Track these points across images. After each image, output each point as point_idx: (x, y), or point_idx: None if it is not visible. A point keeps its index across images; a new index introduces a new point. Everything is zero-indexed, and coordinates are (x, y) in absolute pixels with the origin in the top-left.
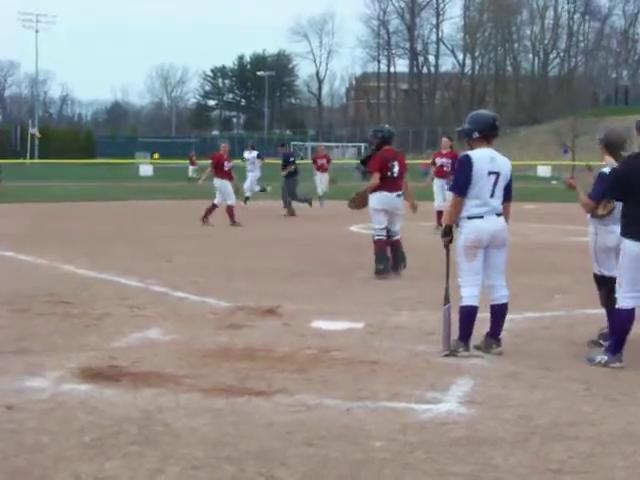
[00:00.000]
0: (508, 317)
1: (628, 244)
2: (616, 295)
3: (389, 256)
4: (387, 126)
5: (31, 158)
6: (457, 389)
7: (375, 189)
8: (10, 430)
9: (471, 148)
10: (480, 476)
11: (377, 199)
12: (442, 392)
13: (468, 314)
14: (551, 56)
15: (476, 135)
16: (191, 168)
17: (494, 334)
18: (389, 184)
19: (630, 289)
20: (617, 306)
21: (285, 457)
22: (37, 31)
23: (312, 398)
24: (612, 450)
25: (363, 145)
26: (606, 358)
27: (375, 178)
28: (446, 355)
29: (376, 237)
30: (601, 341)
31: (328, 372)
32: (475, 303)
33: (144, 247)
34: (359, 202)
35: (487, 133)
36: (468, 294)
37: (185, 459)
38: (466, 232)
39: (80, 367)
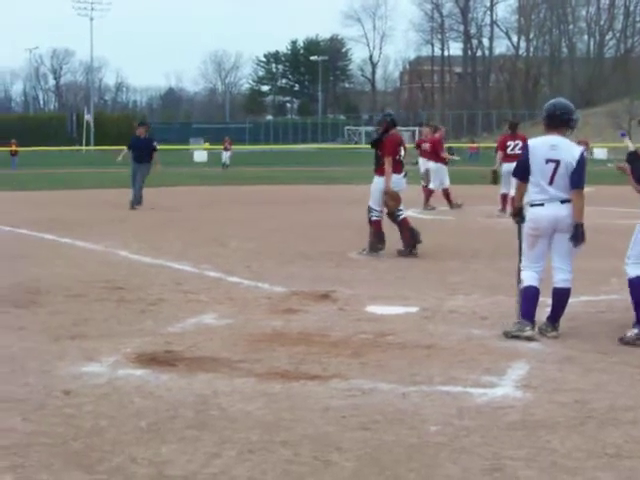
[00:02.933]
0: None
1: None
2: (625, 267)
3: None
4: (392, 111)
5: (86, 145)
6: (513, 373)
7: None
8: (68, 415)
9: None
10: (536, 460)
11: (392, 182)
12: (498, 376)
13: (526, 294)
14: (607, 37)
15: (544, 122)
16: (225, 154)
17: (550, 317)
18: (397, 166)
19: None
20: (630, 277)
21: (340, 441)
22: (92, 19)
23: (367, 383)
24: None
25: (417, 129)
26: (636, 331)
27: (389, 162)
28: (511, 335)
29: (375, 218)
30: None
31: (383, 356)
32: (534, 283)
33: (197, 232)
34: (395, 200)
35: (547, 122)
36: (526, 277)
37: (241, 443)
38: (527, 220)
39: (136, 352)
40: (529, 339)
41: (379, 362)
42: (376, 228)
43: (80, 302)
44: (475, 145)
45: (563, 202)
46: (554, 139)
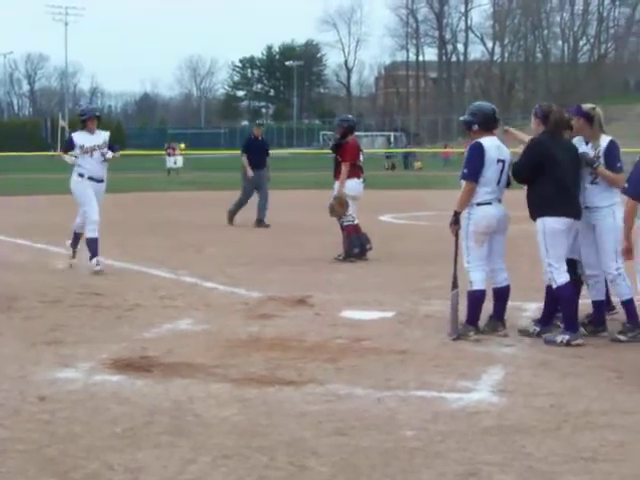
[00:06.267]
0: (539, 305)
1: (548, 222)
2: (551, 275)
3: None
4: (351, 116)
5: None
6: (488, 378)
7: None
8: (43, 421)
9: (472, 139)
10: (512, 465)
11: (352, 187)
12: (473, 381)
13: (478, 298)
14: (581, 43)
15: (475, 128)
16: (170, 159)
17: (499, 316)
18: (357, 171)
19: (564, 263)
20: (558, 284)
21: (316, 447)
22: (66, 24)
23: (343, 388)
24: None
25: (392, 134)
26: (567, 337)
27: (346, 167)
28: (455, 339)
29: (347, 223)
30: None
31: (359, 362)
32: (484, 287)
33: (174, 238)
34: (342, 206)
35: (489, 126)
36: (478, 279)
37: (216, 449)
38: (476, 218)
39: (112, 358)
40: (477, 341)
41: (355, 367)
42: (351, 232)
43: (56, 308)
44: (449, 150)
45: (500, 202)
46: (496, 139)
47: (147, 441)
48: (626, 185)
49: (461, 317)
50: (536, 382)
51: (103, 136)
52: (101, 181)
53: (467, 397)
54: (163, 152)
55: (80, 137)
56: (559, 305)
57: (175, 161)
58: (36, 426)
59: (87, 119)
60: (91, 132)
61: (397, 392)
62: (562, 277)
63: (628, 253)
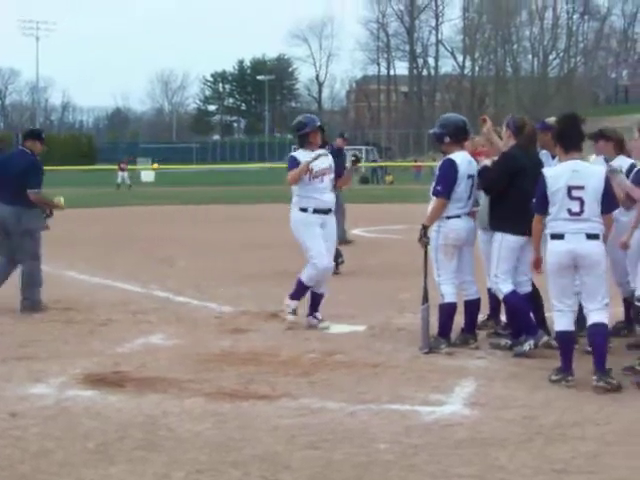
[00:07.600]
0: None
1: (508, 238)
2: (497, 286)
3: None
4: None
5: None
6: (461, 391)
7: None
8: (15, 437)
9: (443, 152)
10: (485, 477)
11: None
12: (446, 394)
13: (449, 311)
14: (551, 57)
15: (447, 140)
16: (120, 174)
17: (470, 329)
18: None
19: (509, 276)
20: (504, 293)
21: (289, 460)
22: (37, 38)
23: (316, 401)
24: (616, 449)
25: (364, 148)
26: (532, 342)
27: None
28: (427, 352)
29: None
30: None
31: (331, 375)
32: (455, 300)
33: (145, 252)
34: None
35: (459, 137)
36: (449, 292)
37: (190, 464)
38: (446, 231)
39: (84, 373)
40: (449, 354)
41: (328, 381)
42: None
43: (27, 323)
44: (419, 164)
45: (468, 215)
46: (467, 155)
47: (120, 456)
48: (534, 200)
49: (433, 330)
50: (508, 394)
51: (328, 156)
52: (329, 211)
53: (440, 410)
54: (136, 166)
55: (305, 157)
56: (511, 314)
57: (123, 177)
58: (8, 442)
59: (309, 133)
60: (314, 151)
61: (370, 405)
62: (507, 286)
63: (538, 265)
